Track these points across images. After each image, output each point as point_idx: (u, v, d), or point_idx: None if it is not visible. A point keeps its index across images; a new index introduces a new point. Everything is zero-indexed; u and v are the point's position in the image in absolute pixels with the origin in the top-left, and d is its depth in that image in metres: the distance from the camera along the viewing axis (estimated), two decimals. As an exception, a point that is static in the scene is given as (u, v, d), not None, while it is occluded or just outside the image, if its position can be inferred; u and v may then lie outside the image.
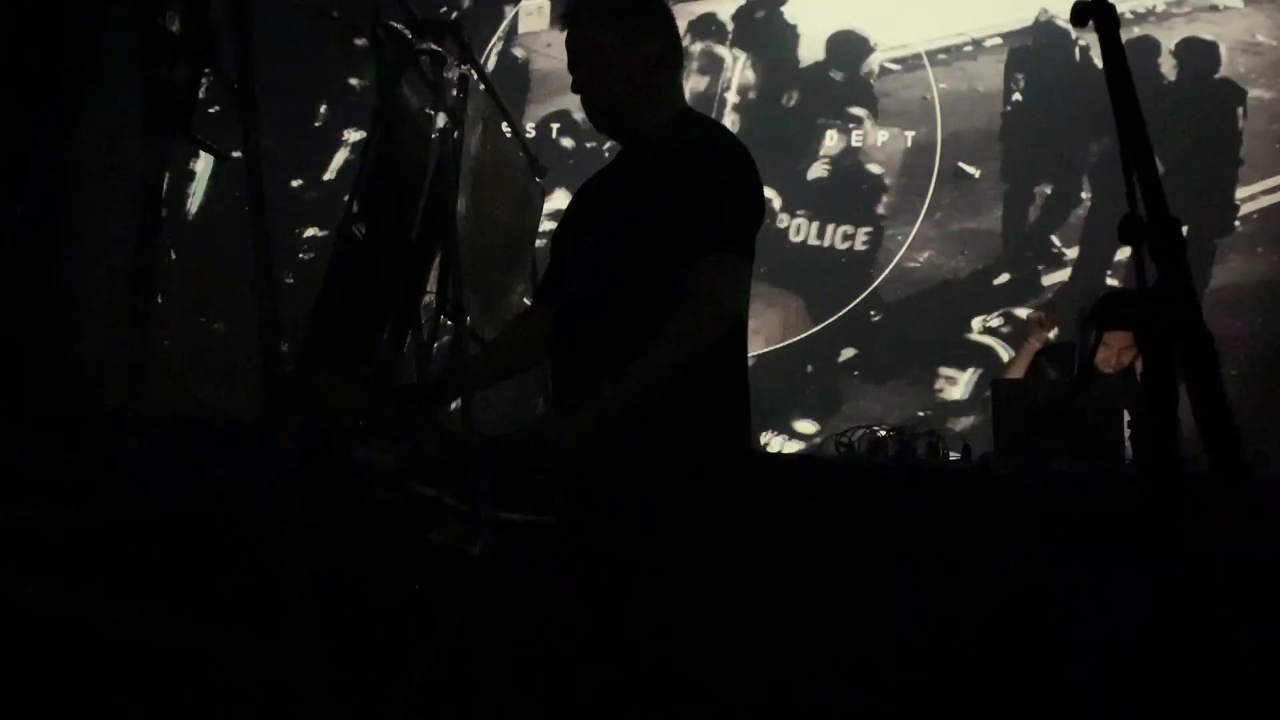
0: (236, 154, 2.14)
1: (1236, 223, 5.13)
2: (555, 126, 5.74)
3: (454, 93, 3.44)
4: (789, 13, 5.74)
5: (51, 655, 2.21)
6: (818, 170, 5.54)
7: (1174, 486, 0.89)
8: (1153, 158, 0.99)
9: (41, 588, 2.02)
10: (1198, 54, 5.31)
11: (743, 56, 5.74)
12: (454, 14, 5.80)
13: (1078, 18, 1.14)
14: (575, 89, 2.09)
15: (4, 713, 2.08)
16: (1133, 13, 5.35)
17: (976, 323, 5.25)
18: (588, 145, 5.59)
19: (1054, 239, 5.29)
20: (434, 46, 3.33)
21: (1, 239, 2.04)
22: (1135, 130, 0.98)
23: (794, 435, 5.24)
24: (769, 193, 4.41)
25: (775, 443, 5.21)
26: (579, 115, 5.23)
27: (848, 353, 5.33)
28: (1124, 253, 5.05)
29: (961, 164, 5.39)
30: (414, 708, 2.53)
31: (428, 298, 3.38)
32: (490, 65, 5.73)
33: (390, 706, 2.52)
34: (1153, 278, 0.94)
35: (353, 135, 5.83)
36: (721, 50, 5.74)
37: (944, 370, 5.21)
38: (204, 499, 2.12)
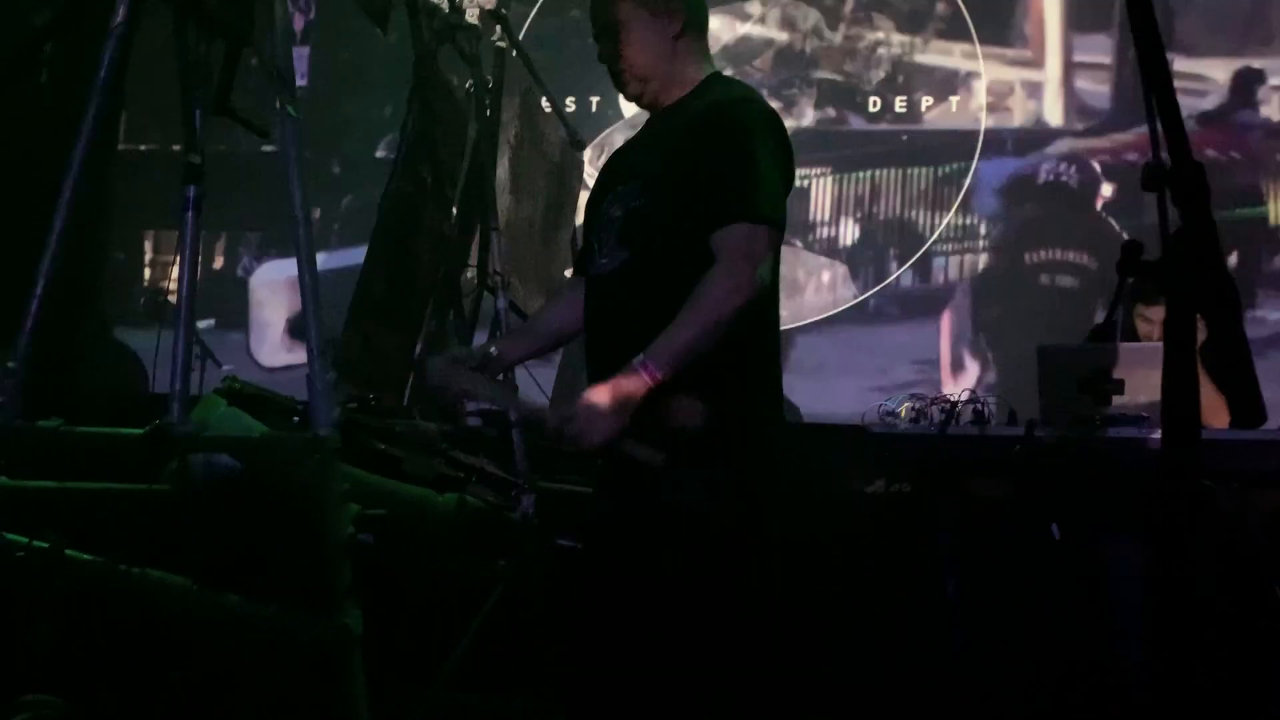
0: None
1: None
2: (595, 100, 5.73)
3: (491, 67, 3.44)
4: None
5: (105, 623, 2.27)
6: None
7: (1191, 440, 0.88)
8: (1176, 105, 0.98)
9: (97, 557, 2.07)
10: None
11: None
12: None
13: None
14: (601, 59, 2.10)
15: (61, 675, 2.14)
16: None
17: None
18: (626, 116, 5.56)
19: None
20: (471, 21, 3.34)
21: (51, 226, 2.09)
22: (1159, 77, 0.97)
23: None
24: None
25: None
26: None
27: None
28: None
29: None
30: (460, 676, 2.57)
31: (469, 272, 3.39)
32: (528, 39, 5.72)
33: (437, 675, 2.56)
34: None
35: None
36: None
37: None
38: (249, 470, 2.15)
